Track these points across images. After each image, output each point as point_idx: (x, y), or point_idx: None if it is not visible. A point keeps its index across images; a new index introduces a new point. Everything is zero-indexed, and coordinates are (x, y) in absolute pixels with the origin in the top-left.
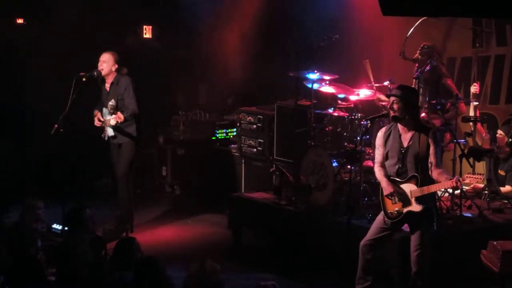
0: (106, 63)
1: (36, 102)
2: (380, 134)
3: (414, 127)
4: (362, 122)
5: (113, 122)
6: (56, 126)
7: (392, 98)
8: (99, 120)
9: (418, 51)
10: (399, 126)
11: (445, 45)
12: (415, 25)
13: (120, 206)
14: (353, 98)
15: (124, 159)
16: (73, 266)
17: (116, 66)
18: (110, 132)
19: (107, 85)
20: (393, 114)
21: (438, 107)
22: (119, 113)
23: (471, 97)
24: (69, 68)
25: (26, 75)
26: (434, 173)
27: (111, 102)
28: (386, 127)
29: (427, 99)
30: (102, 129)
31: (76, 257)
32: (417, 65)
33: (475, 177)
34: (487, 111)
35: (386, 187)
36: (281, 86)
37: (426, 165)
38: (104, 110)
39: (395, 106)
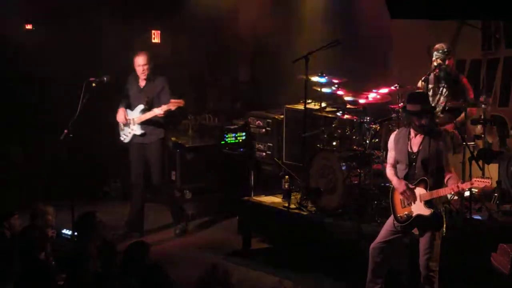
0: (147, 65)
1: (45, 107)
2: (392, 137)
3: (426, 131)
4: (371, 125)
5: (158, 112)
6: (65, 131)
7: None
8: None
9: (437, 53)
10: (412, 130)
11: (454, 47)
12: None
13: (171, 205)
14: (362, 101)
15: (157, 163)
16: (83, 271)
17: (151, 64)
18: (138, 130)
19: (142, 82)
20: (422, 126)
21: (446, 108)
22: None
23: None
24: (78, 74)
25: (35, 81)
26: (446, 178)
27: (148, 99)
28: (398, 130)
29: (445, 99)
30: (118, 130)
31: (86, 263)
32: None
33: (483, 181)
34: (497, 113)
35: (397, 185)
36: (290, 89)
37: (435, 169)
38: (135, 108)
39: (423, 121)
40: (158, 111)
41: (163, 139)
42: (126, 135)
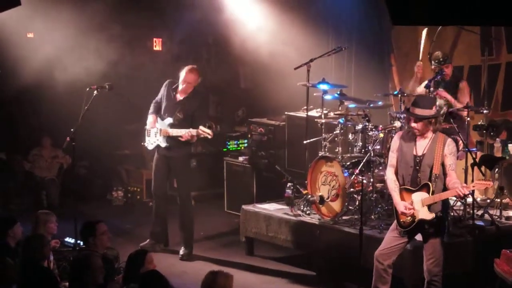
0: (192, 84)
1: (47, 116)
2: (396, 138)
3: (430, 135)
4: (373, 132)
5: (177, 133)
6: (68, 139)
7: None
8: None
9: (433, 62)
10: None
11: (452, 52)
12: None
13: (185, 228)
14: (364, 107)
15: (183, 178)
16: (86, 279)
17: (197, 83)
18: (162, 142)
19: (179, 94)
20: (414, 129)
21: (448, 113)
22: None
23: None
24: (81, 82)
25: (38, 89)
26: (449, 183)
27: (180, 114)
28: (403, 131)
29: (446, 105)
30: (143, 135)
31: (89, 271)
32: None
33: (484, 183)
34: (502, 117)
35: (396, 205)
36: (291, 96)
37: (438, 173)
38: (166, 118)
39: (414, 124)
40: (178, 133)
41: (188, 154)
42: (150, 142)
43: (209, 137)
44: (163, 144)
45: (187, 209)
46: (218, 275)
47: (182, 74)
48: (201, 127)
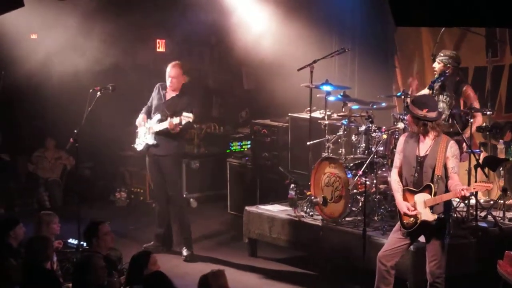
0: (176, 79)
1: (50, 117)
2: (401, 139)
3: (433, 136)
4: (377, 133)
5: (163, 126)
6: (71, 140)
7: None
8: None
9: (437, 60)
10: (420, 134)
11: (458, 54)
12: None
13: (183, 229)
14: (367, 109)
15: (171, 176)
16: (88, 280)
17: (185, 78)
18: (150, 140)
19: (168, 93)
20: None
21: (450, 115)
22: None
23: None
24: (84, 83)
25: (42, 90)
26: (451, 185)
27: (168, 111)
28: (408, 133)
29: (448, 107)
30: (134, 137)
31: (91, 272)
32: (435, 74)
33: (484, 185)
34: (506, 119)
35: (399, 206)
36: (294, 97)
37: (441, 175)
38: (154, 116)
39: (409, 119)
40: (163, 125)
41: (178, 153)
42: (139, 143)
43: (190, 120)
44: (151, 142)
45: (180, 210)
46: (209, 278)
47: (167, 71)
48: (183, 113)
